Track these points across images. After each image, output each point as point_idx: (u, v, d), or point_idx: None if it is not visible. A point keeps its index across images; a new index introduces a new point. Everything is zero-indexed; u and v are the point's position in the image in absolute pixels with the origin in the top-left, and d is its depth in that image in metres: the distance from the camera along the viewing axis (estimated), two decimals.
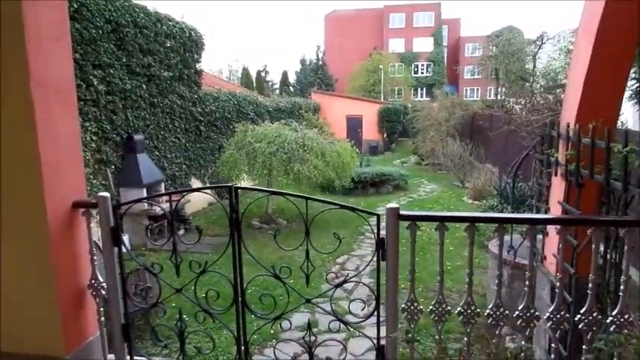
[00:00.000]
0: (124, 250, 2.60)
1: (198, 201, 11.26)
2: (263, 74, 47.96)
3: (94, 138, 7.53)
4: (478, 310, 2.24)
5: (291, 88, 44.40)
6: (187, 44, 10.29)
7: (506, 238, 5.93)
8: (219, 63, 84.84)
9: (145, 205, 8.13)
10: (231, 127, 11.79)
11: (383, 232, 2.46)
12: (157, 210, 8.21)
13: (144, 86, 8.74)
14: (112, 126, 7.90)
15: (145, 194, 8.18)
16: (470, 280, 2.26)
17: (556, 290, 2.15)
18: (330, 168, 9.02)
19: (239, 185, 2.64)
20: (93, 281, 2.54)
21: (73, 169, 2.47)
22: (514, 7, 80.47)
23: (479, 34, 51.58)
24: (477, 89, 53.76)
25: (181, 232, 9.13)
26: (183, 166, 10.50)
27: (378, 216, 2.38)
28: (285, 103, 18.87)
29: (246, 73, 46.21)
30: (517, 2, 71.85)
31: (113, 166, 8.05)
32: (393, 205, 2.30)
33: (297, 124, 10.27)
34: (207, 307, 2.66)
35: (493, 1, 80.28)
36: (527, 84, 21.54)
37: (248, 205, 2.76)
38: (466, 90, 53.75)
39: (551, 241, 3.82)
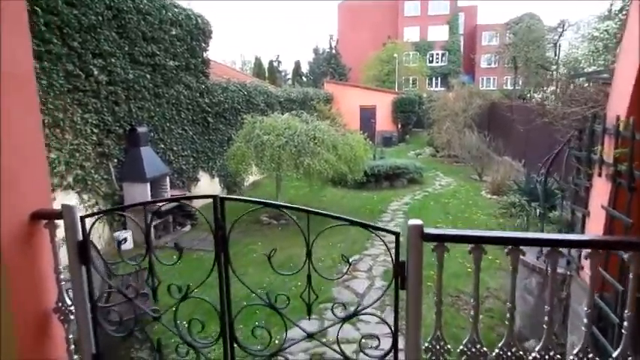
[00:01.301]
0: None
1: (205, 192, 10.94)
2: (276, 64, 47.42)
3: (95, 130, 7.19)
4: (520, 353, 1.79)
5: (303, 78, 43.83)
6: (194, 32, 9.88)
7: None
8: (231, 53, 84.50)
9: (149, 200, 7.80)
10: (240, 118, 11.39)
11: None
12: (161, 206, 7.87)
13: (148, 76, 8.38)
14: (114, 118, 7.56)
15: (148, 189, 7.85)
16: (511, 316, 1.82)
17: (623, 331, 1.69)
18: (342, 162, 8.58)
19: (225, 195, 2.22)
20: (60, 304, 2.16)
21: (32, 172, 2.08)
22: None
23: (496, 22, 50.44)
24: (494, 79, 52.50)
25: (187, 228, 8.80)
26: (191, 159, 10.16)
27: (397, 235, 1.93)
28: (297, 94, 18.41)
29: (258, 63, 45.70)
30: None
31: (116, 160, 7.72)
32: (416, 221, 1.86)
33: (307, 115, 9.82)
34: (190, 339, 2.26)
35: None
36: (548, 73, 20.73)
37: (238, 217, 2.34)
38: (482, 79, 52.53)
39: None
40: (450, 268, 6.65)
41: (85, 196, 7.16)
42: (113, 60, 7.37)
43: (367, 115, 25.97)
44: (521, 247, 1.74)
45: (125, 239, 7.54)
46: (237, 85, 12.40)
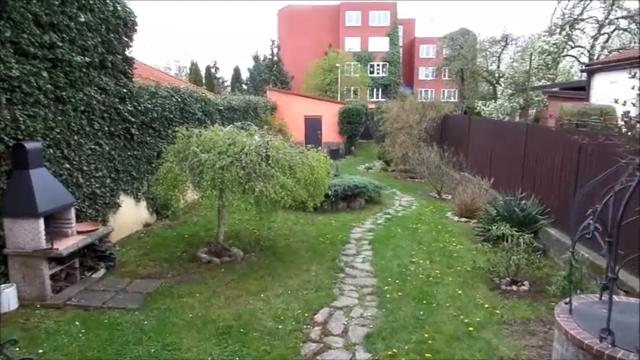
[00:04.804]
0: None
1: (128, 222, 8.85)
2: (213, 70, 44.95)
3: None
4: None
5: (243, 85, 41.83)
6: (111, 21, 7.85)
7: (584, 302, 3.66)
8: (165, 59, 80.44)
9: (42, 243, 5.71)
10: (172, 129, 9.43)
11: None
12: (62, 250, 5.80)
13: (44, 74, 6.28)
14: None
15: (41, 227, 5.75)
16: None
17: None
18: (300, 186, 6.95)
19: None
20: None
21: None
22: (464, 9, 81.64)
23: (431, 36, 51.49)
24: (432, 91, 53.51)
25: (100, 273, 6.72)
26: (107, 181, 8.05)
27: None
28: (239, 102, 16.56)
29: (194, 68, 43.05)
30: (466, 5, 72.75)
31: None
32: None
33: (256, 127, 8.11)
34: None
35: (443, 3, 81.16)
36: (498, 85, 20.54)
37: None
38: (420, 91, 53.28)
39: None
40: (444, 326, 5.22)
41: None
42: None
43: (313, 126, 24.64)
44: None
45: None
46: (169, 91, 10.40)
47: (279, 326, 5.32)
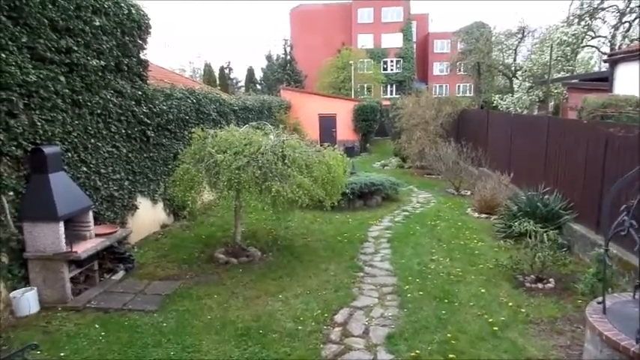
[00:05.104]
0: None
1: (145, 223, 8.89)
2: (227, 71, 45.13)
3: None
4: None
5: (257, 85, 41.91)
6: (126, 25, 7.87)
7: (617, 301, 3.63)
8: (180, 61, 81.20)
9: (62, 246, 5.74)
10: (188, 130, 9.46)
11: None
12: (80, 253, 5.83)
13: (62, 78, 6.31)
14: (9, 134, 5.47)
15: (61, 230, 5.78)
16: None
17: None
18: (317, 185, 6.86)
19: None
20: None
21: None
22: (477, 4, 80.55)
23: (445, 31, 50.89)
24: (447, 86, 52.89)
25: (119, 275, 6.75)
26: (125, 183, 8.09)
27: None
28: (253, 102, 16.55)
29: (208, 69, 43.25)
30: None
31: (12, 192, 5.61)
32: None
33: (272, 127, 8.05)
34: None
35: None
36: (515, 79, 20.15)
37: None
38: (435, 87, 52.73)
39: None
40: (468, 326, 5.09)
41: None
42: (3, 55, 5.29)
43: (328, 124, 24.54)
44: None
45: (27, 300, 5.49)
46: (184, 92, 10.42)
47: (299, 327, 5.25)
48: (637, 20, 19.42)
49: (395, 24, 51.92)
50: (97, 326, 5.25)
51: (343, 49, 44.32)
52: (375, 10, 52.44)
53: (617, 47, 18.94)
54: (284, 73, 39.09)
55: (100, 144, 7.35)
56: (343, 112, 24.56)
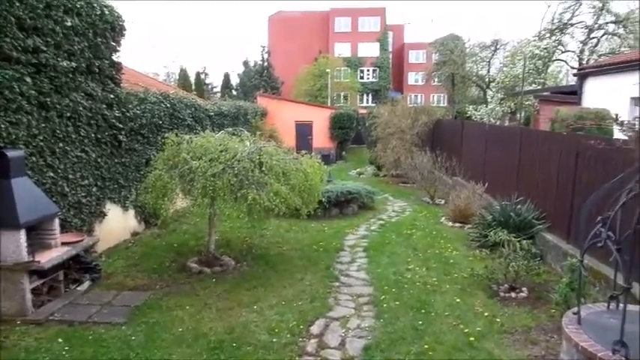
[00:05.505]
0: None
1: (115, 231, 8.59)
2: (203, 76, 44.64)
3: None
4: None
5: (233, 91, 41.59)
6: (98, 26, 7.63)
7: (592, 312, 3.71)
8: (154, 66, 79.97)
9: (24, 256, 5.45)
10: (162, 135, 9.21)
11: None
12: (44, 263, 5.55)
13: (28, 79, 6.05)
14: None
15: (23, 239, 5.49)
16: None
17: None
18: (294, 193, 6.77)
19: None
20: None
21: None
22: (452, 16, 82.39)
23: (420, 41, 51.86)
24: (422, 95, 53.72)
25: (85, 285, 6.46)
26: (94, 189, 7.80)
27: None
28: (229, 107, 16.36)
29: (184, 74, 42.70)
30: (455, 11, 73.50)
31: None
32: None
33: (248, 133, 7.92)
34: None
35: (433, 9, 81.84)
36: (488, 90, 20.60)
37: None
38: (410, 96, 53.52)
39: None
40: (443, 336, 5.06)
41: None
42: None
43: (304, 132, 24.49)
44: None
45: None
46: (158, 96, 10.17)
47: (274, 339, 5.11)
48: (605, 36, 20.21)
49: (372, 33, 52.59)
50: (60, 340, 4.98)
51: (320, 57, 44.57)
52: (353, 20, 53.07)
53: (585, 62, 19.64)
54: (261, 79, 38.94)
55: (68, 148, 7.07)
56: (320, 119, 24.58)
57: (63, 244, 6.24)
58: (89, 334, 5.15)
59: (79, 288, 6.39)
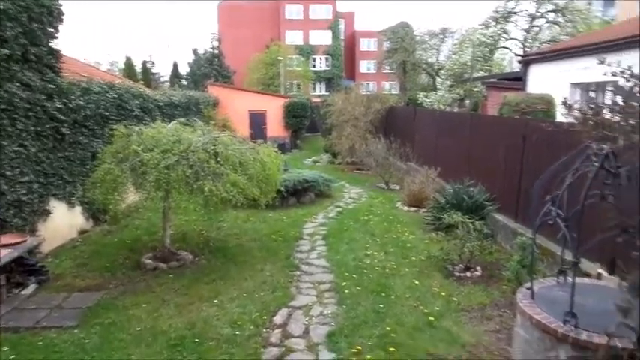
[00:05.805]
0: None
1: (61, 230, 8.14)
2: (149, 65, 42.87)
3: None
4: None
5: (183, 80, 40.27)
6: (34, 10, 7.11)
7: (543, 286, 3.84)
8: (96, 54, 76.12)
9: None
10: (109, 127, 8.76)
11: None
12: None
13: None
14: None
15: None
16: None
17: None
18: (252, 183, 6.66)
19: None
20: None
21: None
22: (402, 6, 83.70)
23: (371, 29, 52.35)
24: (374, 83, 54.37)
25: (30, 289, 6.09)
26: (35, 186, 7.32)
27: None
28: (180, 97, 15.83)
29: (129, 63, 40.79)
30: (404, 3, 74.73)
31: None
32: None
33: (202, 123, 7.69)
34: None
35: None
36: (437, 77, 21.14)
37: None
38: (362, 84, 54.05)
39: None
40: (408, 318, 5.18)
41: None
42: None
43: (258, 121, 24.17)
44: None
45: None
46: (102, 86, 9.66)
47: (237, 332, 5.04)
48: (546, 25, 21.22)
49: (323, 21, 52.45)
50: (5, 349, 4.67)
51: (272, 45, 43.98)
52: (304, 7, 52.68)
53: (528, 49, 20.56)
54: (211, 67, 37.89)
55: (5, 143, 6.57)
56: (273, 108, 24.33)
57: (3, 246, 5.82)
58: (38, 340, 4.86)
59: (23, 292, 6.01)
